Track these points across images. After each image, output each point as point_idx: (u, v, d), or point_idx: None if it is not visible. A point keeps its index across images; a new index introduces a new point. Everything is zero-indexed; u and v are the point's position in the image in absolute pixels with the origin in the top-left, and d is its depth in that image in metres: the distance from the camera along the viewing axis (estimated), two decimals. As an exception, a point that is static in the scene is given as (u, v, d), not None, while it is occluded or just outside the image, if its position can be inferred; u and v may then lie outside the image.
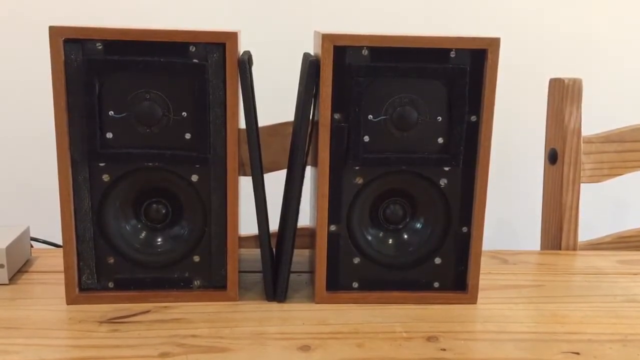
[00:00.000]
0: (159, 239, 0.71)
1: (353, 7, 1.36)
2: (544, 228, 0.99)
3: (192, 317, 0.67)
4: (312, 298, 0.72)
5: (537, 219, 1.00)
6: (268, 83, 1.01)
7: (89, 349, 0.61)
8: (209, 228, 0.70)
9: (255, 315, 0.68)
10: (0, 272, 0.73)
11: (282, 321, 0.67)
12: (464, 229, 0.72)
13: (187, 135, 0.67)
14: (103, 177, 0.68)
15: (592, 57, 1.43)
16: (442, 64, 0.67)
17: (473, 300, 0.73)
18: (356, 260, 0.72)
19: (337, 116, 0.67)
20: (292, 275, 0.74)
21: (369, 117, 0.68)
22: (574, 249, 0.97)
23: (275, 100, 1.07)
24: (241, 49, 0.69)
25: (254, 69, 0.71)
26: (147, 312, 0.68)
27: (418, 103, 0.68)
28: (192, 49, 0.65)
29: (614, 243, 1.00)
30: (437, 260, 0.72)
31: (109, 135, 0.66)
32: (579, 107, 0.94)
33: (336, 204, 0.70)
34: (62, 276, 0.69)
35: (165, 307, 0.70)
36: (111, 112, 0.66)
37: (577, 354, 0.62)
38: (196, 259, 0.71)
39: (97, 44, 0.64)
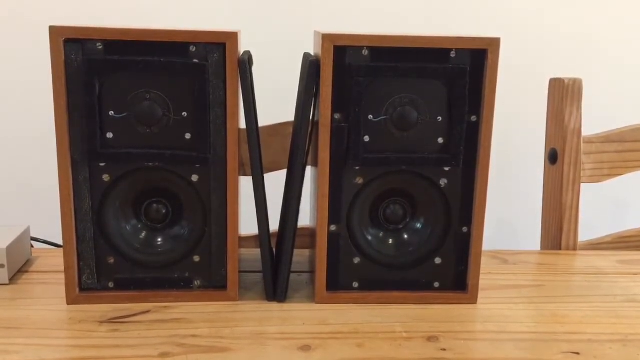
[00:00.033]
0: (159, 239, 0.71)
1: (353, 7, 1.36)
2: (544, 228, 0.99)
3: (192, 317, 0.67)
4: (312, 298, 0.72)
5: (537, 219, 1.00)
6: (268, 83, 1.01)
7: (89, 349, 0.61)
8: (209, 228, 0.70)
9: (256, 315, 0.68)
10: (0, 272, 0.73)
11: (282, 321, 0.67)
12: (464, 229, 0.72)
13: (188, 135, 0.67)
14: (103, 177, 0.68)
15: (592, 57, 1.43)
16: (443, 64, 0.67)
17: (473, 300, 0.73)
18: (356, 260, 0.72)
19: (337, 116, 0.67)
20: (292, 275, 0.74)
21: (369, 117, 0.68)
22: (574, 249, 0.97)
23: (276, 100, 1.07)
24: (241, 49, 0.69)
25: (254, 69, 0.71)
26: (147, 312, 0.68)
27: (418, 103, 0.68)
28: (193, 49, 0.65)
29: (614, 243, 1.00)
30: (437, 260, 0.72)
31: (109, 135, 0.66)
32: (579, 107, 0.94)
33: (336, 204, 0.70)
34: (62, 276, 0.69)
35: (166, 307, 0.70)
36: (111, 112, 0.66)
37: (577, 354, 0.62)
38: (196, 259, 0.71)
39: (98, 44, 0.64)
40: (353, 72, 0.66)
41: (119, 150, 0.67)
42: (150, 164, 0.67)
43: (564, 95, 0.94)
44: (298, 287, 0.76)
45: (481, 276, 0.72)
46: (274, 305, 0.71)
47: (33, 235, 0.84)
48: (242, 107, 0.68)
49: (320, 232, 0.70)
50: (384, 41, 0.66)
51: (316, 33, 0.73)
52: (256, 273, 0.78)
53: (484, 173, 0.69)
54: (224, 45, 0.65)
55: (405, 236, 0.73)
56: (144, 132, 0.67)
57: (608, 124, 1.00)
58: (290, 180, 0.75)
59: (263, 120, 0.83)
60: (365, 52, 0.66)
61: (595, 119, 1.01)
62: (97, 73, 0.65)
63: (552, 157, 0.96)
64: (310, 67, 0.67)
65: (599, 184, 0.98)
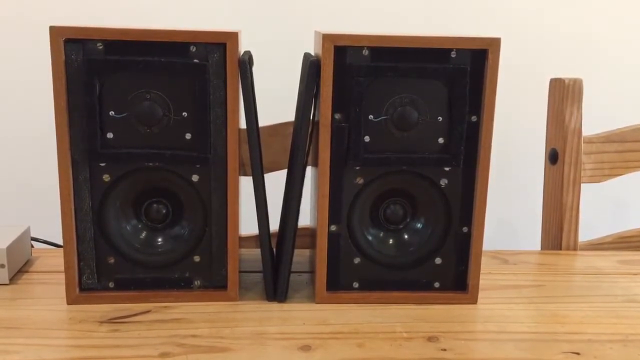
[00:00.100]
0: (160, 239, 0.71)
1: (353, 7, 1.36)
2: (545, 228, 0.99)
3: (192, 317, 0.67)
4: (313, 298, 0.72)
5: (537, 219, 1.00)
6: (268, 83, 1.01)
7: (90, 349, 0.61)
8: (210, 228, 0.70)
9: (256, 315, 0.68)
10: (0, 272, 0.73)
11: (283, 321, 0.67)
12: (465, 229, 0.72)
13: (188, 135, 0.67)
14: (103, 177, 0.68)
15: (593, 57, 1.43)
16: (443, 64, 0.67)
17: (473, 301, 0.73)
18: (356, 260, 0.72)
19: (337, 116, 0.67)
20: (292, 275, 0.74)
21: (369, 117, 0.68)
22: (575, 249, 0.97)
23: (276, 100, 1.07)
24: (242, 49, 0.69)
25: (254, 69, 0.71)
26: (148, 312, 0.68)
27: (418, 103, 0.68)
28: (193, 49, 0.65)
29: (614, 243, 1.00)
30: (438, 260, 0.72)
31: (110, 135, 0.66)
32: (579, 107, 0.94)
33: (336, 204, 0.70)
34: (62, 276, 0.69)
35: (166, 307, 0.70)
36: (112, 112, 0.66)
37: (578, 354, 0.62)
38: (196, 259, 0.71)
39: (98, 44, 0.64)
40: (353, 72, 0.66)
41: (119, 150, 0.67)
42: (151, 164, 0.67)
43: (564, 95, 0.94)
44: (298, 287, 0.76)
45: (481, 276, 0.72)
46: (274, 305, 0.71)
47: (33, 235, 0.84)
48: (243, 107, 0.68)
49: (321, 232, 0.70)
50: (384, 41, 0.66)
51: (316, 33, 0.73)
52: (256, 273, 0.78)
53: (484, 173, 0.69)
54: (224, 45, 0.65)
55: (406, 236, 0.73)
56: (144, 132, 0.67)
57: (608, 124, 1.00)
58: (290, 180, 0.75)
59: (263, 120, 0.83)
60: (365, 52, 0.66)
61: (596, 119, 1.01)
62: (97, 73, 0.65)
63: (553, 157, 0.96)
64: (311, 67, 0.67)
65: (600, 184, 0.98)
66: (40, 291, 0.73)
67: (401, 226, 0.73)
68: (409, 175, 0.70)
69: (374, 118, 0.68)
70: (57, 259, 0.79)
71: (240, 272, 0.72)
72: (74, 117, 0.65)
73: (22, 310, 0.68)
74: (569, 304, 0.74)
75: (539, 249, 1.00)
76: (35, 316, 0.67)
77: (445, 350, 0.62)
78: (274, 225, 0.77)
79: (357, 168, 0.69)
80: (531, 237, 1.09)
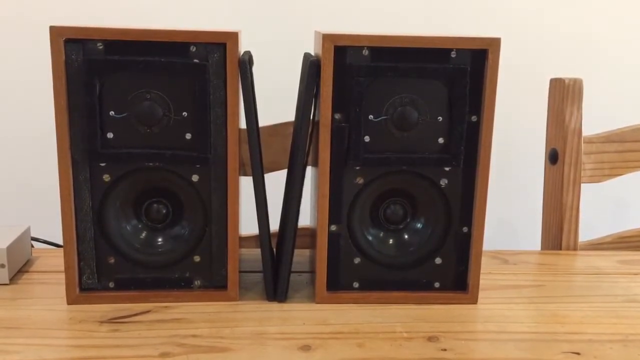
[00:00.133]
0: (160, 239, 0.71)
1: (353, 7, 1.36)
2: (545, 228, 0.99)
3: (192, 317, 0.67)
4: (313, 298, 0.72)
5: (537, 219, 1.00)
6: (269, 83, 1.01)
7: (90, 348, 0.61)
8: (210, 228, 0.70)
9: (256, 315, 0.68)
10: (1, 272, 0.73)
11: (283, 321, 0.67)
12: (465, 229, 0.72)
13: (188, 135, 0.67)
14: (104, 177, 0.68)
15: (593, 57, 1.43)
16: (443, 64, 0.67)
17: (473, 300, 0.73)
18: (357, 260, 0.72)
19: (337, 116, 0.67)
20: (292, 275, 0.74)
21: (369, 117, 0.68)
22: (575, 249, 0.97)
23: (276, 100, 1.07)
24: (242, 49, 0.69)
25: (254, 69, 0.71)
26: (148, 312, 0.68)
27: (418, 103, 0.68)
28: (193, 49, 0.65)
29: (614, 243, 1.00)
30: (438, 260, 0.72)
31: (110, 135, 0.66)
32: (579, 107, 0.94)
33: (337, 204, 0.70)
34: (62, 276, 0.69)
35: (166, 307, 0.70)
36: (112, 112, 0.66)
37: (578, 354, 0.62)
38: (197, 259, 0.71)
39: (98, 44, 0.64)
40: (353, 72, 0.66)
41: (120, 150, 0.67)
42: (151, 164, 0.67)
43: (564, 95, 0.94)
44: (298, 287, 0.76)
45: (481, 276, 0.72)
46: (274, 305, 0.71)
47: (33, 235, 0.84)
48: (243, 107, 0.68)
49: (321, 232, 0.70)
50: (384, 41, 0.66)
51: (316, 33, 0.73)
52: (256, 273, 0.78)
53: (484, 173, 0.69)
54: (224, 45, 0.65)
55: (406, 236, 0.73)
56: (144, 132, 0.67)
57: (608, 124, 1.00)
58: (290, 180, 0.75)
59: (263, 120, 0.83)
60: (365, 52, 0.66)
61: (596, 119, 1.01)
62: (97, 73, 0.65)
63: (553, 157, 0.96)
64: (311, 67, 0.67)
65: (600, 184, 0.98)
66: (40, 291, 0.73)
67: (401, 226, 0.73)
68: (409, 175, 0.70)
69: (374, 118, 0.68)
70: (57, 259, 0.79)
71: (240, 272, 0.72)
72: (74, 117, 0.65)
73: (22, 310, 0.68)
74: (569, 304, 0.74)
75: (539, 249, 1.00)
76: (36, 316, 0.67)
77: (445, 350, 0.62)
78: (274, 225, 0.77)
79: (357, 168, 0.69)
80: (531, 237, 1.09)
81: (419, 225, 0.73)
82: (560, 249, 0.96)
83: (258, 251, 0.72)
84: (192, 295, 0.71)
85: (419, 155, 0.69)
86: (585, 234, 0.99)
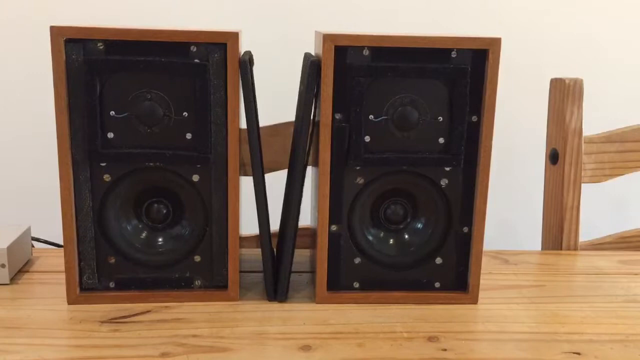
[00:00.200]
0: (160, 239, 0.71)
1: (354, 7, 1.36)
2: (545, 228, 0.99)
3: (192, 317, 0.67)
4: (313, 298, 0.72)
5: (538, 219, 1.00)
6: (269, 83, 1.01)
7: (90, 348, 0.61)
8: (210, 228, 0.70)
9: (256, 315, 0.68)
10: (1, 272, 0.73)
11: (283, 321, 0.67)
12: (465, 229, 0.72)
13: (188, 135, 0.67)
14: (104, 177, 0.68)
15: (593, 57, 1.43)
16: (443, 64, 0.67)
17: (474, 301, 0.73)
18: (357, 260, 0.72)
19: (338, 116, 0.67)
20: (292, 275, 0.74)
21: (370, 117, 0.68)
22: (575, 249, 0.97)
23: (276, 100, 1.07)
24: (242, 49, 0.69)
25: (255, 69, 0.71)
26: (148, 312, 0.68)
27: (419, 103, 0.68)
28: (193, 49, 0.65)
29: (615, 243, 1.00)
30: (438, 260, 0.72)
31: (110, 135, 0.66)
32: (580, 107, 0.94)
33: (337, 204, 0.70)
34: (63, 276, 0.69)
35: (166, 307, 0.70)
36: (112, 112, 0.66)
37: (578, 354, 0.62)
38: (197, 258, 0.71)
39: (99, 44, 0.64)
40: (354, 72, 0.66)
41: (120, 150, 0.67)
42: (151, 163, 0.67)
43: (564, 95, 0.94)
44: (299, 287, 0.76)
45: (482, 276, 0.72)
46: (275, 305, 0.71)
47: (34, 235, 0.84)
48: (243, 107, 0.68)
49: (321, 232, 0.70)
50: (384, 41, 0.66)
51: (317, 33, 0.73)
52: (257, 273, 0.78)
53: (484, 173, 0.69)
54: (224, 45, 0.65)
55: (406, 236, 0.73)
56: (144, 132, 0.67)
57: (609, 124, 1.00)
58: (291, 180, 0.75)
59: (264, 120, 0.83)
60: (366, 52, 0.66)
61: (596, 119, 1.01)
62: (98, 73, 0.65)
63: (553, 157, 0.96)
64: (311, 67, 0.67)
65: (600, 184, 0.98)
66: (40, 291, 0.73)
67: (401, 226, 0.73)
68: (409, 175, 0.70)
69: (375, 118, 0.68)
70: (57, 259, 0.79)
71: (240, 272, 0.72)
72: (75, 117, 0.65)
73: (23, 310, 0.68)
74: (569, 304, 0.74)
75: (540, 249, 1.00)
76: (36, 316, 0.67)
77: (445, 350, 0.62)
78: (275, 225, 0.77)
79: (358, 168, 0.69)
80: (532, 237, 1.09)
81: (419, 225, 0.73)
82: (561, 249, 0.96)
83: (258, 251, 0.72)
84: (192, 295, 0.71)
85: (420, 155, 0.69)
86: (586, 234, 0.99)
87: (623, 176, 1.00)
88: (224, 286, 0.71)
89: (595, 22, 1.42)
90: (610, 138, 0.98)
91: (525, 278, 0.81)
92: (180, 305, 0.70)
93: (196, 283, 0.71)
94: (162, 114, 0.66)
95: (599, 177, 0.98)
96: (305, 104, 0.68)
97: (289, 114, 0.86)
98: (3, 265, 0.73)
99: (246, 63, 0.66)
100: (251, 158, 0.69)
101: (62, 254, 0.68)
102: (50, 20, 0.65)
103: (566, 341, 0.65)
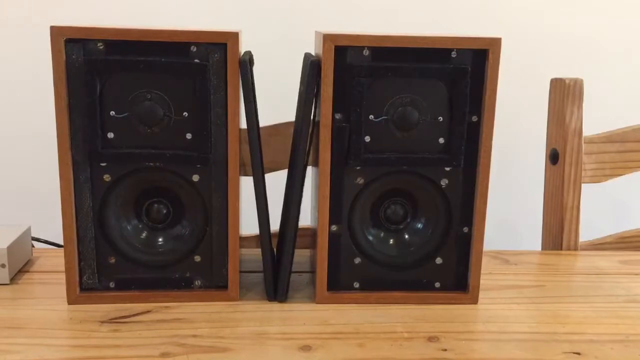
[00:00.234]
0: (160, 239, 0.71)
1: (354, 7, 1.36)
2: (545, 228, 0.99)
3: (193, 317, 0.67)
4: (313, 298, 0.72)
5: (538, 219, 1.00)
6: (269, 83, 1.01)
7: (90, 348, 0.61)
8: (210, 228, 0.70)
9: (256, 315, 0.68)
10: (1, 272, 0.73)
11: (283, 321, 0.67)
12: (465, 229, 0.72)
13: (188, 135, 0.67)
14: (104, 177, 0.68)
15: (594, 57, 1.43)
16: (443, 64, 0.67)
17: (474, 301, 0.73)
18: (357, 261, 0.72)
19: (338, 116, 0.67)
20: (293, 275, 0.74)
21: (370, 117, 0.68)
22: (575, 249, 0.96)
23: (276, 100, 1.07)
24: (242, 49, 0.69)
25: (255, 69, 0.71)
26: (148, 312, 0.68)
27: (419, 103, 0.68)
28: (194, 49, 0.65)
29: (615, 243, 1.00)
30: (438, 261, 0.72)
31: (110, 135, 0.66)
32: (580, 107, 0.94)
33: (337, 204, 0.70)
34: (63, 276, 0.69)
35: (166, 307, 0.70)
36: (112, 112, 0.66)
37: (579, 354, 0.62)
38: (197, 258, 0.71)
39: (99, 44, 0.64)
40: (354, 72, 0.66)
41: (120, 150, 0.67)
42: (151, 164, 0.67)
43: (565, 95, 0.94)
44: (299, 287, 0.76)
45: (482, 276, 0.72)
46: (275, 305, 0.71)
47: (34, 235, 0.84)
48: (243, 107, 0.68)
49: (321, 232, 0.70)
50: (384, 41, 0.66)
51: (317, 33, 0.73)
52: (257, 273, 0.78)
53: (484, 173, 0.69)
54: (224, 45, 0.65)
55: (406, 236, 0.73)
56: (144, 132, 0.67)
57: (609, 124, 1.00)
58: (291, 180, 0.75)
59: (264, 120, 0.83)
60: (366, 52, 0.66)
61: (597, 119, 1.01)
62: (98, 73, 0.65)
63: (553, 157, 0.96)
64: (311, 67, 0.67)
65: (600, 184, 0.98)
66: (41, 291, 0.73)
67: (402, 226, 0.73)
68: (409, 176, 0.70)
69: (375, 118, 0.68)
70: (57, 259, 0.79)
71: (240, 272, 0.72)
72: (75, 117, 0.65)
73: (23, 310, 0.68)
74: (570, 304, 0.74)
75: (540, 249, 1.00)
76: (36, 316, 0.67)
77: (445, 350, 0.62)
78: (275, 225, 0.77)
79: (358, 168, 0.69)
80: (532, 237, 1.09)
81: (419, 225, 0.73)
82: (561, 249, 0.96)
83: (258, 251, 0.72)
84: (192, 295, 0.71)
85: (420, 155, 0.69)
86: (586, 234, 0.99)
87: (623, 176, 1.00)
88: (224, 286, 0.71)
89: (595, 22, 1.42)
90: (610, 138, 0.98)
91: (525, 278, 0.81)
92: (180, 305, 0.70)
93: (196, 283, 0.71)
94: (162, 114, 0.66)
95: (599, 177, 0.98)
96: (305, 104, 0.68)
97: (289, 114, 0.86)
98: (3, 265, 0.73)
99: (246, 63, 0.66)
100: (251, 158, 0.69)
101: (62, 254, 0.68)
102: (50, 20, 0.65)
103: (566, 341, 0.65)
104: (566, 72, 0.97)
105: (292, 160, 0.75)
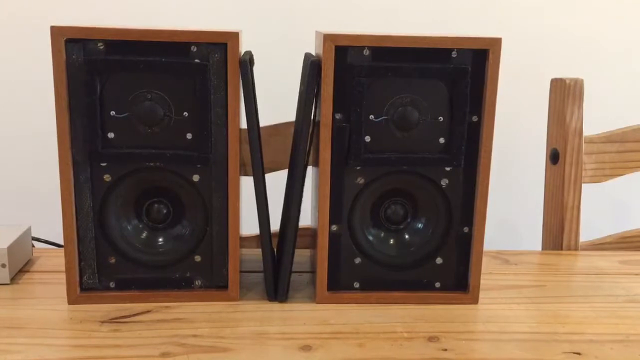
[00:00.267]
0: (160, 239, 0.71)
1: (354, 7, 1.36)
2: (546, 228, 0.99)
3: (193, 317, 0.67)
4: (313, 298, 0.72)
5: (538, 219, 1.00)
6: (269, 83, 1.01)
7: (91, 348, 0.61)
8: (211, 228, 0.70)
9: (257, 315, 0.68)
10: (1, 272, 0.73)
11: (283, 321, 0.67)
12: (465, 229, 0.72)
13: (189, 135, 0.67)
14: (104, 177, 0.68)
15: (594, 56, 1.43)
16: (444, 64, 0.67)
17: (474, 301, 0.73)
18: (357, 260, 0.72)
19: (338, 116, 0.67)
20: (293, 275, 0.74)
21: (370, 117, 0.68)
22: (576, 249, 0.97)
23: (277, 100, 1.07)
24: (242, 49, 0.69)
25: (255, 69, 0.71)
26: (149, 312, 0.68)
27: (419, 103, 0.68)
28: (194, 49, 0.65)
29: (615, 243, 1.00)
30: (439, 260, 0.72)
31: (111, 135, 0.66)
32: (580, 107, 0.94)
33: (337, 204, 0.70)
34: (63, 276, 0.69)
35: (167, 307, 0.70)
36: (112, 112, 0.66)
37: (579, 354, 0.62)
38: (197, 258, 0.71)
39: (99, 44, 0.64)
40: (354, 72, 0.66)
41: (120, 150, 0.67)
42: (152, 164, 0.67)
43: (565, 95, 0.94)
44: (299, 287, 0.76)
45: (482, 276, 0.72)
46: (275, 305, 0.71)
47: (34, 235, 0.84)
48: (243, 107, 0.68)
49: (321, 232, 0.70)
50: (385, 41, 0.66)
51: (317, 33, 0.73)
52: (257, 273, 0.78)
53: (485, 173, 0.69)
54: (225, 45, 0.65)
55: (406, 236, 0.73)
56: (145, 132, 0.67)
57: (609, 124, 1.00)
58: (291, 180, 0.75)
59: (264, 120, 0.83)
60: (366, 52, 0.66)
61: (597, 119, 1.01)
62: (98, 73, 0.65)
63: (554, 157, 0.96)
64: (312, 67, 0.67)
65: (601, 184, 0.98)
66: (41, 291, 0.73)
67: (402, 226, 0.73)
68: (409, 175, 0.70)
69: (375, 118, 0.68)
70: (58, 259, 0.79)
71: (241, 272, 0.72)
72: (75, 117, 0.65)
73: (23, 310, 0.68)
74: (570, 304, 0.74)
75: (540, 249, 1.00)
76: (37, 316, 0.67)
77: (446, 350, 0.62)
78: (275, 225, 0.77)
79: (358, 168, 0.69)
80: (532, 237, 1.09)
81: (419, 225, 0.73)
82: (561, 249, 0.96)
83: (259, 251, 0.72)
84: (192, 295, 0.71)
85: (420, 155, 0.69)
86: (586, 234, 0.99)
87: (623, 176, 1.00)
88: (224, 286, 0.71)
89: (595, 22, 1.42)
90: (610, 138, 0.98)
91: (525, 278, 0.81)
92: (181, 305, 0.70)
93: (196, 283, 0.71)
94: (162, 114, 0.66)
95: (599, 177, 0.98)
96: (306, 104, 0.68)
97: (289, 114, 0.86)
98: (3, 265, 0.73)
99: (246, 63, 0.66)
100: (251, 158, 0.69)
101: (63, 254, 0.68)
102: (50, 20, 0.65)
103: (566, 341, 0.65)
104: (566, 72, 0.97)
105: (292, 160, 0.75)
